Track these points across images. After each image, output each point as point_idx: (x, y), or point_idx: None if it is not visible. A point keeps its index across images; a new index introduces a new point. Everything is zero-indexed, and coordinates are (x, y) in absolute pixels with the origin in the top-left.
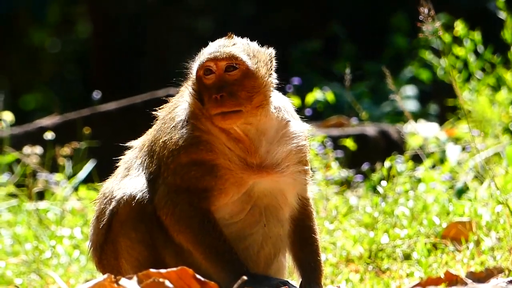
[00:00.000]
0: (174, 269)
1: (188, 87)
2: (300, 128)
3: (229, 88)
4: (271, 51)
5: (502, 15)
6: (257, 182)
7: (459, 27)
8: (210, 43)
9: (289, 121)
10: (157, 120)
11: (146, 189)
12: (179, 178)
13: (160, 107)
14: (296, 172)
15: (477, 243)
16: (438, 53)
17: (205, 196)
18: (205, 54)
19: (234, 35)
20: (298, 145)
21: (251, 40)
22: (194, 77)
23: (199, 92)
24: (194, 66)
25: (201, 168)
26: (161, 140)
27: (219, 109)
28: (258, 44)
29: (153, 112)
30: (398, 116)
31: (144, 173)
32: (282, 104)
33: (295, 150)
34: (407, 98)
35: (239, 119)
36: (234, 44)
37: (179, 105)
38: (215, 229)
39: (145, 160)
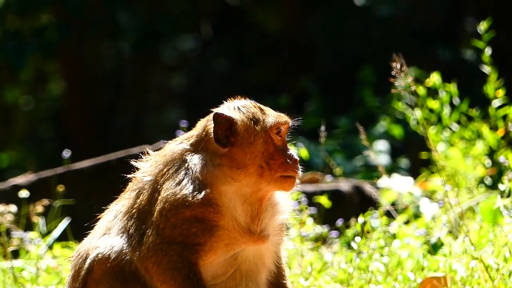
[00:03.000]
0: None
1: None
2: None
3: None
4: None
5: (486, 69)
6: (247, 247)
7: (435, 78)
8: (259, 105)
9: None
10: (140, 178)
11: (124, 246)
12: (177, 232)
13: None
14: (277, 237)
15: None
16: (411, 107)
17: (196, 249)
18: (273, 116)
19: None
20: (286, 213)
21: (225, 97)
22: (262, 135)
23: (265, 152)
24: (256, 125)
25: (202, 225)
26: (160, 196)
27: (296, 172)
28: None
29: (130, 173)
30: (371, 172)
31: (126, 231)
32: None
33: (285, 219)
34: (378, 153)
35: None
36: None
37: (182, 162)
38: (200, 284)
39: (132, 220)
